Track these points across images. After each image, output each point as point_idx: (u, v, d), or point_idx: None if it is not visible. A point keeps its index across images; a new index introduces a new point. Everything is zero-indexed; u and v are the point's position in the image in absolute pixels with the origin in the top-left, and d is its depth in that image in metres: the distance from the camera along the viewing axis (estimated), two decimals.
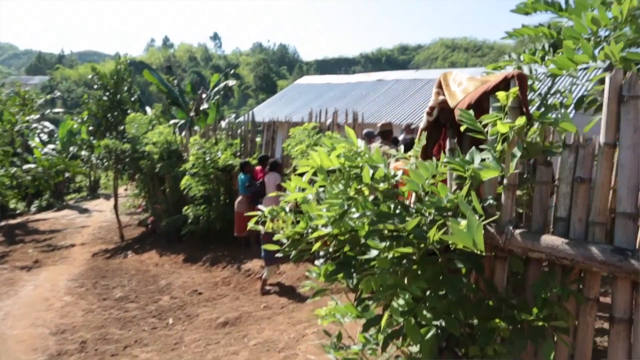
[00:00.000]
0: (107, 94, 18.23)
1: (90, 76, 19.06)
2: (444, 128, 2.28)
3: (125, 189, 16.20)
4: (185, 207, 9.32)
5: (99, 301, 6.74)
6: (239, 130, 9.98)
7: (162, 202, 11.00)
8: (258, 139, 11.00)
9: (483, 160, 1.54)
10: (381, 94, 16.14)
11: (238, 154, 9.48)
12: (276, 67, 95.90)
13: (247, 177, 8.68)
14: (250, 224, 2.66)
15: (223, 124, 16.66)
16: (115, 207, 12.23)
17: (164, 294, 7.03)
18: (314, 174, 2.17)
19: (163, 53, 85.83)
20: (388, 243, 1.61)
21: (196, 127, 16.60)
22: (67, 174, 20.09)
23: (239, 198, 8.74)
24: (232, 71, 21.02)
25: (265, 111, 15.27)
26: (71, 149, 20.06)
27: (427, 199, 1.64)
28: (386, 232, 1.67)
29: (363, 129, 7.46)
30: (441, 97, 2.26)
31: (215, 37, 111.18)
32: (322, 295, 2.43)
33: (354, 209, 1.82)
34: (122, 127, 16.03)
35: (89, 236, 12.59)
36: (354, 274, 1.90)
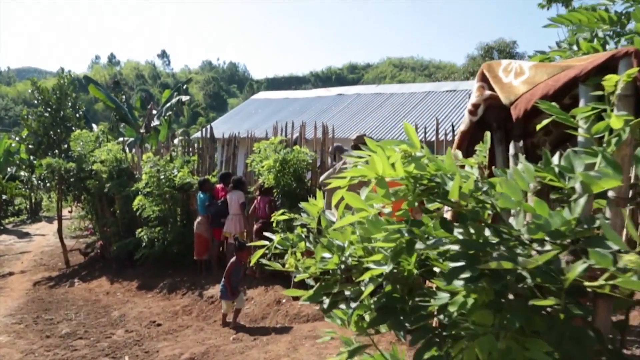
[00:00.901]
0: (49, 109, 17.05)
1: (30, 91, 17.80)
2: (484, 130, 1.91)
3: (70, 211, 15.13)
4: (139, 230, 8.62)
5: (42, 339, 5.95)
6: (196, 145, 9.42)
7: (112, 225, 10.19)
8: (216, 156, 10.47)
9: (587, 166, 1.17)
10: (343, 108, 15.94)
11: (196, 171, 8.90)
12: (226, 85, 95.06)
13: (206, 196, 8.12)
14: (254, 259, 2.07)
15: (175, 141, 15.93)
16: (59, 230, 11.25)
17: (117, 327, 6.32)
18: (352, 189, 1.60)
19: (109, 70, 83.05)
20: (479, 284, 1.17)
21: (147, 145, 15.79)
22: (4, 196, 18.63)
23: (199, 219, 8.16)
24: (184, 86, 20.31)
25: (221, 127, 14.68)
26: (9, 169, 18.64)
27: (525, 220, 1.23)
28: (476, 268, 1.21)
29: (333, 143, 7.13)
30: (487, 93, 1.92)
31: (163, 54, 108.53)
32: (359, 353, 1.71)
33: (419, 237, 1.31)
34: (65, 145, 14.97)
35: (29, 263, 11.50)
36: (406, 323, 1.39)
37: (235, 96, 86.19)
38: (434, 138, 7.13)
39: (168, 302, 7.29)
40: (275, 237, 1.94)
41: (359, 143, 5.73)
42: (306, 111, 16.14)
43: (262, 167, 6.65)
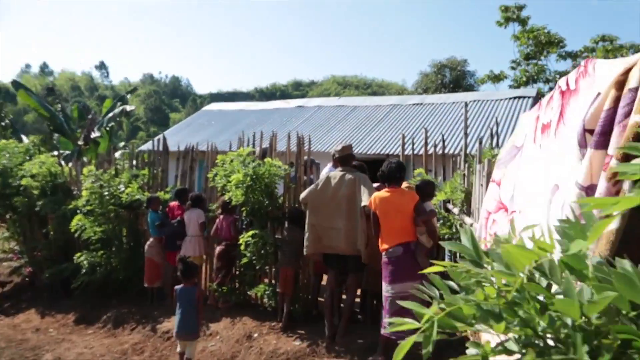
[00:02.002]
0: None
1: None
2: None
3: None
4: (78, 254, 7.47)
5: None
6: (146, 158, 8.40)
7: (44, 248, 8.89)
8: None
9: None
10: (304, 120, 15.33)
11: (147, 187, 7.90)
12: (168, 100, 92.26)
13: (157, 216, 7.16)
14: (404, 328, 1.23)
15: (117, 154, 14.61)
16: None
17: None
18: None
19: (41, 80, 78.14)
20: None
21: (85, 158, 14.40)
22: None
23: (150, 241, 7.17)
24: (129, 95, 18.95)
25: (170, 139, 13.61)
26: None
27: None
28: None
29: (309, 155, 6.43)
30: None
31: (101, 66, 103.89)
32: None
33: None
34: None
35: None
36: None
37: (178, 111, 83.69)
38: (422, 151, 6.65)
39: (114, 339, 6.23)
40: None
41: (345, 154, 5.09)
42: (265, 123, 15.36)
43: (229, 182, 5.84)
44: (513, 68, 20.21)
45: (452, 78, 27.96)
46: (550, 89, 15.21)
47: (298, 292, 5.82)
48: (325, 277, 5.86)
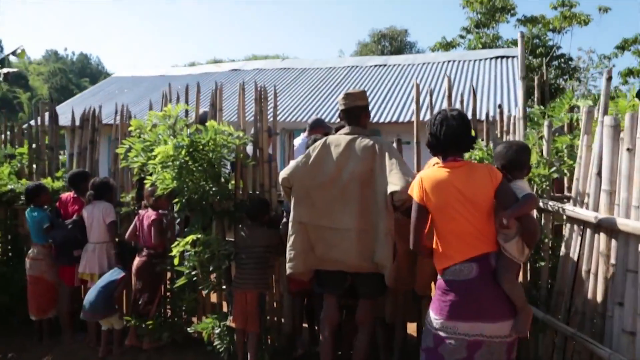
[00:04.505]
0: None
1: None
2: None
3: None
4: None
5: None
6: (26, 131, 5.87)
7: None
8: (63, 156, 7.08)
9: None
10: (240, 86, 13.06)
11: (27, 172, 5.46)
12: (77, 79, 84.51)
13: (44, 214, 4.83)
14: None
15: None
16: None
17: None
18: None
19: None
20: None
21: None
22: None
23: (33, 251, 4.84)
24: (10, 55, 15.49)
25: (70, 114, 10.90)
26: None
27: None
28: None
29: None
30: None
31: None
32: None
33: None
34: None
35: None
36: None
37: None
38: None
39: None
40: None
41: (357, 104, 3.17)
42: (191, 90, 12.86)
43: (152, 159, 3.72)
44: (462, 37, 19.49)
45: (394, 49, 26.78)
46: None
47: (267, 327, 3.88)
48: (307, 297, 3.96)
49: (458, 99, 4.22)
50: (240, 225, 3.87)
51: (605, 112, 2.78)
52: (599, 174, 2.76)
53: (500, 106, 4.87)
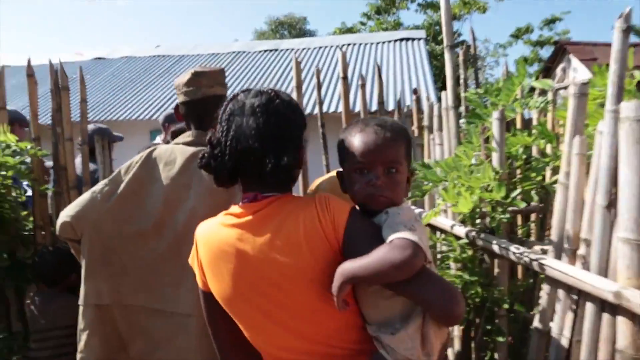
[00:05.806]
0: None
1: None
2: None
3: None
4: None
5: None
6: None
7: None
8: None
9: None
10: (103, 78, 11.06)
11: None
12: None
13: None
14: None
15: None
16: None
17: None
18: None
19: None
20: None
21: None
22: None
23: None
24: None
25: None
26: None
27: None
28: None
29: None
30: None
31: None
32: None
33: None
34: None
35: None
36: None
37: None
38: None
39: None
40: None
41: (207, 94, 1.78)
42: (44, 85, 10.61)
43: None
44: (363, 23, 18.99)
45: (293, 37, 25.88)
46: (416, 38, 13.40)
47: None
48: None
49: (359, 82, 2.98)
50: (32, 295, 2.36)
51: (619, 98, 1.65)
52: (611, 205, 1.62)
53: (415, 91, 3.85)
